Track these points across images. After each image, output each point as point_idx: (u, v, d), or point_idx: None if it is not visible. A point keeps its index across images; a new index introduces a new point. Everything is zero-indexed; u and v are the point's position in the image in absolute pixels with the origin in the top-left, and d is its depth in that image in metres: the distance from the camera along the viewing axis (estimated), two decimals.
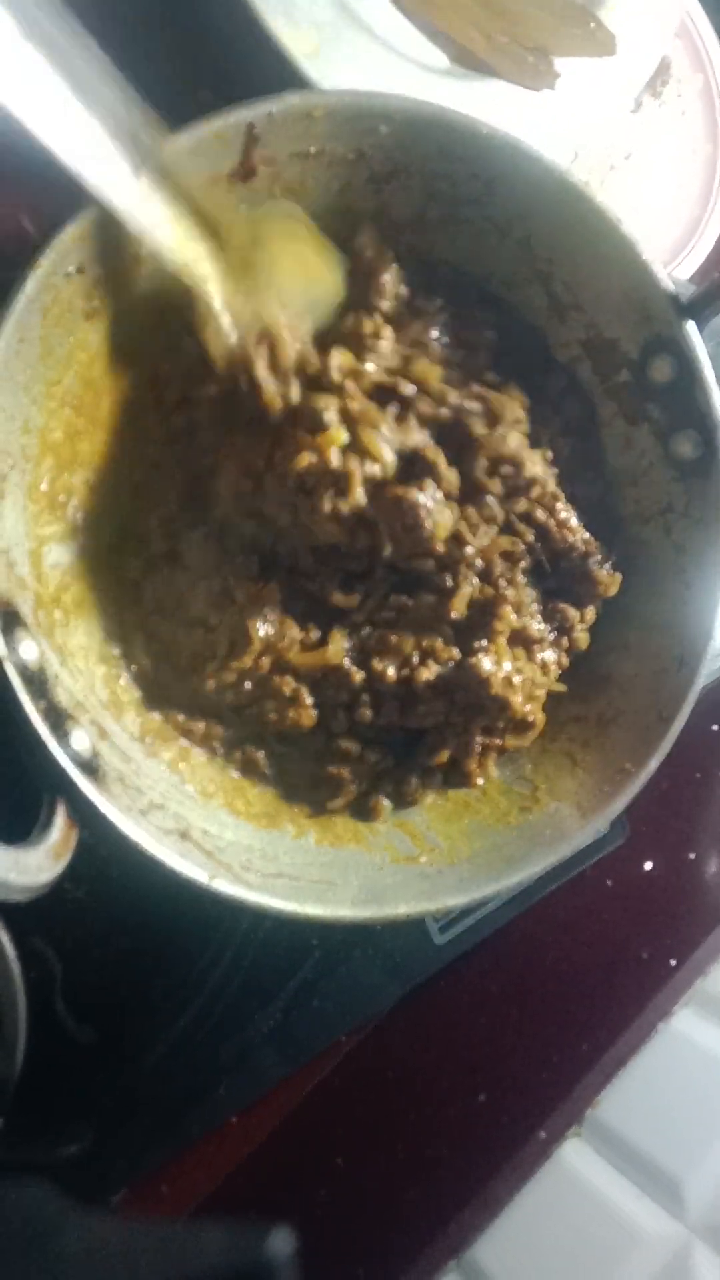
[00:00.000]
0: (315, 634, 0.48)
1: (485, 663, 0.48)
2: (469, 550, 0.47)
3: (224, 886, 0.42)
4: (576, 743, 0.52)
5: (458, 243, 0.49)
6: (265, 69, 0.51)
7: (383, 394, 0.46)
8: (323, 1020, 0.57)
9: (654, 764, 0.48)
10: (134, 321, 0.45)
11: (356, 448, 0.44)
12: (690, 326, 0.47)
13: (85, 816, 0.40)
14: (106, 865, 0.49)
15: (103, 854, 0.41)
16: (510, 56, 0.57)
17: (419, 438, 0.46)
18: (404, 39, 0.56)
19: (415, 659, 0.48)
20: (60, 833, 0.39)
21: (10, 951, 0.41)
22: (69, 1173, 0.49)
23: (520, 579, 0.50)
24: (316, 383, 0.45)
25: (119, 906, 0.50)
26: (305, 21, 0.52)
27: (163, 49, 0.53)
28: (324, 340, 0.46)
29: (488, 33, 0.56)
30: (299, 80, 0.51)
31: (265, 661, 0.47)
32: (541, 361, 0.51)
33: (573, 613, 0.51)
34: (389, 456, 0.45)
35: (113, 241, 0.41)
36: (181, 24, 0.54)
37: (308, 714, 0.48)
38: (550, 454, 0.49)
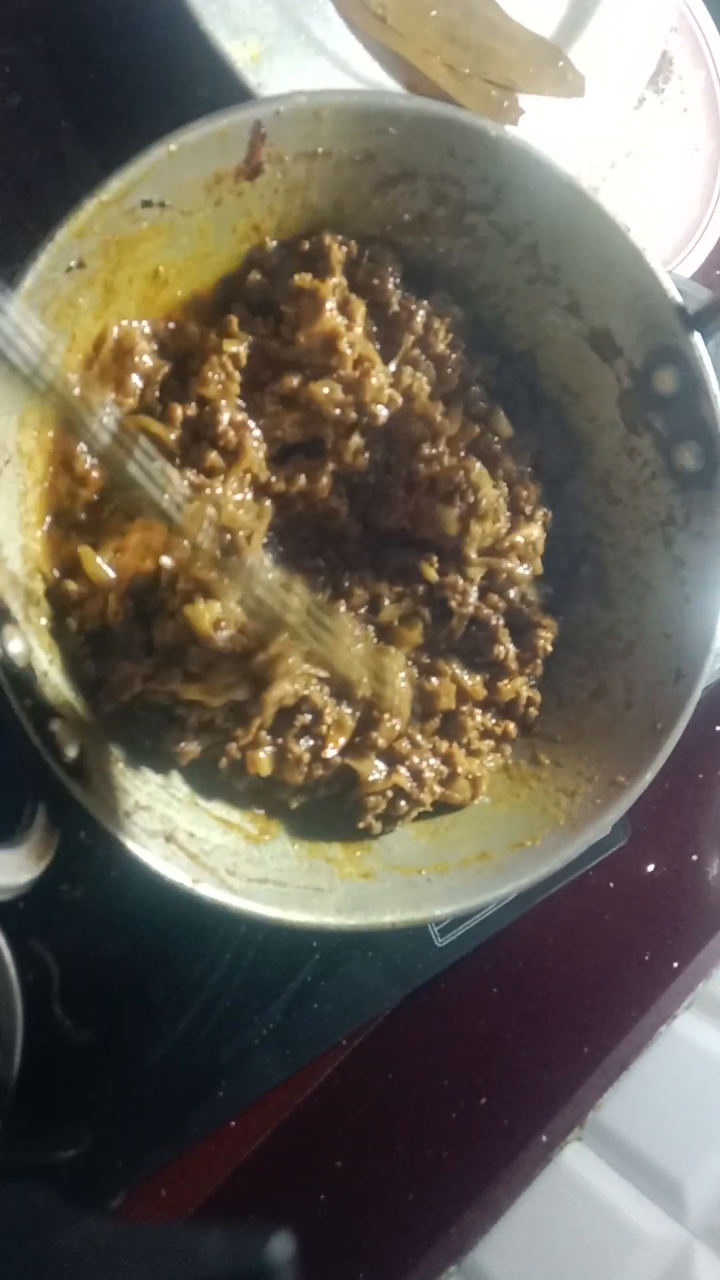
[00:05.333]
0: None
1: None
2: None
3: (207, 891, 0.41)
4: (570, 753, 0.51)
5: (459, 252, 0.49)
6: (206, 74, 0.51)
7: None
8: (323, 1022, 0.56)
9: (649, 777, 0.48)
10: None
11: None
12: (696, 338, 0.46)
13: (70, 816, 0.40)
14: (104, 866, 0.49)
15: (100, 855, 0.41)
16: (474, 90, 0.55)
17: None
18: (357, 58, 0.55)
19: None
20: (42, 833, 0.38)
21: (6, 954, 0.41)
22: (67, 1175, 0.48)
23: None
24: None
25: (117, 908, 0.50)
26: (247, 29, 0.51)
27: (153, 52, 0.53)
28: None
29: (450, 64, 0.55)
30: (239, 87, 0.50)
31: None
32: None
33: None
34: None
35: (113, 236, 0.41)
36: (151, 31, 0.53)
37: None
38: None
